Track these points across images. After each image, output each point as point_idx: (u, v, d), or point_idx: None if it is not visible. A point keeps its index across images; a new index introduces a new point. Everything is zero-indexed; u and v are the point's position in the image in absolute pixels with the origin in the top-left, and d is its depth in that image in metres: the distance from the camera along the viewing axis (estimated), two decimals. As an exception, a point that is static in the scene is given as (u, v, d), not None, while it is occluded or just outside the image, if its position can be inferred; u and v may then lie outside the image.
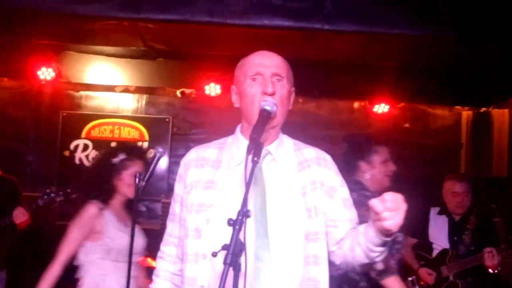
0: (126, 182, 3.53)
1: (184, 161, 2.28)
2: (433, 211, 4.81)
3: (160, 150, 3.53)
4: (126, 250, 3.10)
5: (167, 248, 2.31)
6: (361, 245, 2.03)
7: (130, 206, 3.53)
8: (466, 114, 7.20)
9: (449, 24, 4.18)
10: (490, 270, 4.31)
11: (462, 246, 4.59)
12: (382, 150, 3.66)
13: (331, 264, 2.19)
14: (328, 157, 2.26)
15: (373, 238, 1.95)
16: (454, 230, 4.69)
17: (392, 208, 1.82)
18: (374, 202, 1.84)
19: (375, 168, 3.62)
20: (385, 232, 1.89)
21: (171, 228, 2.29)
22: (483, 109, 7.01)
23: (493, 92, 6.36)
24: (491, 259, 4.29)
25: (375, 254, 2.03)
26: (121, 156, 3.61)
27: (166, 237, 2.32)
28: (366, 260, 2.08)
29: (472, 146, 7.08)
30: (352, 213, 2.23)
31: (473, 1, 4.15)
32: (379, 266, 2.17)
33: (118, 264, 3.37)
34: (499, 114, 6.92)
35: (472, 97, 6.67)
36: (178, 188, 2.26)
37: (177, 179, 2.29)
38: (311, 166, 2.18)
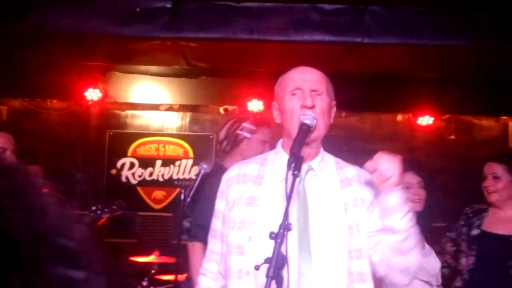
0: None
1: (226, 177, 2.30)
2: None
3: (205, 166, 3.59)
4: None
5: (209, 264, 2.33)
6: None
7: None
8: (513, 124, 7.06)
9: (491, 33, 4.12)
10: None
11: None
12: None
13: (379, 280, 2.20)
14: (368, 175, 2.26)
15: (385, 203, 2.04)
16: None
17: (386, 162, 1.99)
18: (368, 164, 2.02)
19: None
20: (389, 186, 2.00)
21: (213, 245, 2.31)
22: (530, 118, 6.87)
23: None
24: None
25: (396, 221, 2.05)
26: None
27: (208, 253, 2.34)
28: (395, 238, 2.07)
29: (519, 156, 6.92)
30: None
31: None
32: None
33: None
34: (546, 123, 6.77)
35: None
36: (219, 204, 2.29)
37: (219, 195, 2.31)
38: (352, 184, 2.20)
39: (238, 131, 3.81)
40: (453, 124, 7.00)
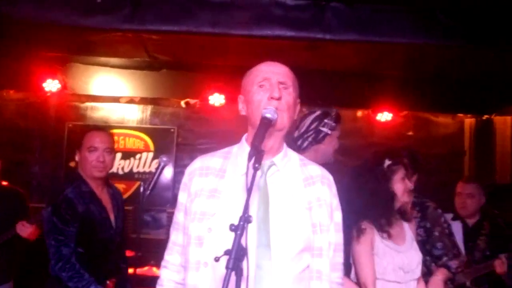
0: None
1: (188, 170, 2.30)
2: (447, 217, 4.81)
3: (164, 159, 3.58)
4: None
5: (171, 257, 2.32)
6: None
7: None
8: (468, 121, 7.22)
9: (450, 32, 4.21)
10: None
11: (477, 252, 4.57)
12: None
13: None
14: (331, 178, 2.31)
15: None
16: (469, 236, 4.66)
17: None
18: None
19: None
20: None
21: (175, 237, 2.31)
22: (486, 116, 7.03)
23: (495, 99, 6.38)
24: (501, 266, 4.29)
25: None
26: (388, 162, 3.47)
27: (170, 245, 2.33)
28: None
29: (475, 153, 7.10)
30: (340, 238, 2.28)
31: (473, 10, 4.18)
32: None
33: None
34: (501, 121, 6.94)
35: (474, 104, 6.68)
36: (182, 197, 2.29)
37: (181, 187, 2.31)
38: (316, 183, 2.22)
39: (320, 128, 3.70)
40: (411, 121, 7.12)
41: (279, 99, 2.12)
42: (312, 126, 3.68)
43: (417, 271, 3.25)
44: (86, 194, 3.62)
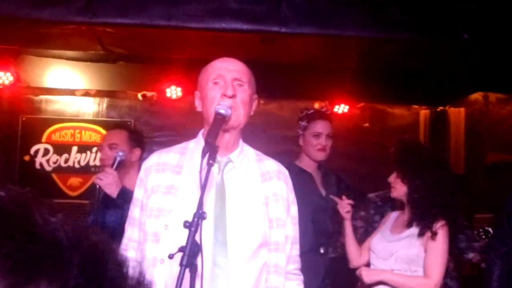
0: None
1: (145, 166, 2.29)
2: None
3: (120, 153, 3.55)
4: None
5: (125, 253, 2.31)
6: None
7: None
8: (424, 113, 7.34)
9: (403, 25, 4.27)
10: None
11: None
12: None
13: None
14: (286, 172, 2.35)
15: None
16: None
17: None
18: None
19: None
20: None
21: (130, 232, 2.29)
22: (440, 108, 7.17)
23: (449, 91, 6.51)
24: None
25: None
26: None
27: (125, 241, 2.32)
28: None
29: (430, 144, 7.22)
30: (296, 232, 2.32)
31: (425, 3, 4.26)
32: None
33: None
34: (455, 113, 7.09)
35: (429, 96, 6.81)
36: (138, 193, 2.27)
37: (138, 183, 2.30)
38: (272, 178, 2.25)
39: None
40: (368, 112, 7.21)
41: (232, 97, 2.12)
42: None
43: None
44: None
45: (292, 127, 6.89)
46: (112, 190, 3.34)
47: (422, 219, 3.23)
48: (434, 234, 3.15)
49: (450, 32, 4.30)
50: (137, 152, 3.70)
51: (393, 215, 3.50)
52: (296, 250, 2.31)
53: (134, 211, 2.29)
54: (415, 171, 3.30)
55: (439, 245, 3.16)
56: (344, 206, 3.52)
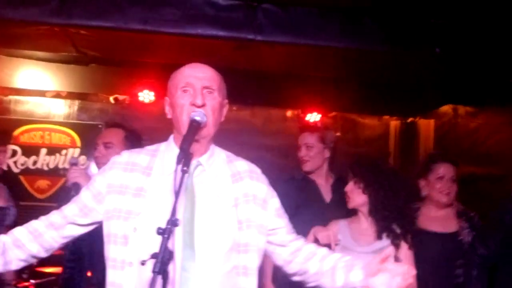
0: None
1: (114, 159, 2.27)
2: None
3: (74, 160, 3.52)
4: None
5: (40, 222, 2.28)
6: (336, 278, 2.22)
7: None
8: (394, 123, 7.44)
9: (377, 37, 4.33)
10: None
11: None
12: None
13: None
14: (259, 171, 2.34)
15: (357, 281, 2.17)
16: None
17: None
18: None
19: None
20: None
21: (69, 209, 2.26)
22: (410, 119, 7.27)
23: (420, 103, 6.60)
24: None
25: None
26: None
27: (56, 215, 2.28)
28: None
29: (399, 154, 7.33)
30: (285, 221, 2.35)
31: (399, 17, 4.32)
32: None
33: None
34: (425, 124, 7.18)
35: (400, 107, 6.91)
36: (98, 179, 2.24)
37: (100, 171, 2.28)
38: (244, 178, 2.24)
39: None
40: (339, 122, 7.27)
41: (201, 106, 2.12)
42: None
43: None
44: None
45: (264, 134, 6.97)
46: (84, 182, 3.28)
47: (391, 231, 3.30)
48: (411, 246, 3.31)
49: (423, 46, 4.37)
50: None
51: (343, 224, 3.48)
52: (292, 234, 2.38)
53: (86, 195, 2.25)
54: (378, 182, 3.37)
55: (413, 254, 3.30)
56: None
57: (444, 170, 3.89)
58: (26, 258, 2.25)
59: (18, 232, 2.25)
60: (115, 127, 3.77)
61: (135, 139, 3.72)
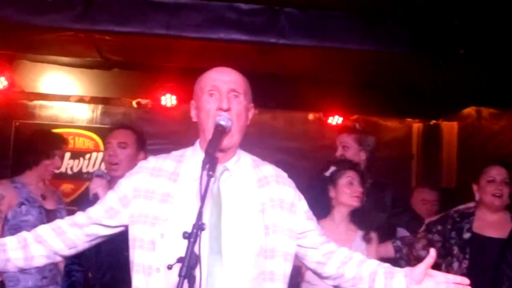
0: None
1: (141, 164, 2.27)
2: None
3: (100, 173, 3.53)
4: None
5: (63, 221, 2.27)
6: (375, 284, 2.19)
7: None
8: (416, 126, 7.39)
9: (400, 40, 4.31)
10: None
11: None
12: None
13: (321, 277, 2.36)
14: (285, 175, 2.32)
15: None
16: None
17: None
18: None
19: None
20: None
21: (94, 210, 2.25)
22: (433, 121, 7.21)
23: (442, 105, 6.55)
24: None
25: None
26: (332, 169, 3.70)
27: (81, 215, 2.27)
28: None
29: (422, 157, 7.27)
30: (314, 223, 2.33)
31: (423, 19, 4.29)
32: None
33: None
34: (448, 127, 7.13)
35: (422, 109, 6.86)
36: (124, 183, 2.24)
37: (127, 175, 2.28)
38: (270, 183, 2.23)
39: None
40: (361, 125, 7.21)
41: (227, 110, 2.12)
42: None
43: None
44: None
45: (286, 138, 6.97)
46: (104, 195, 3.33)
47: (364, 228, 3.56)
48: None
49: (447, 48, 4.34)
50: (141, 155, 3.56)
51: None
52: (323, 237, 2.35)
53: (112, 197, 2.24)
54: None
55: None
56: None
57: (495, 172, 3.82)
58: (48, 254, 2.23)
59: (41, 229, 2.25)
60: (126, 128, 3.76)
61: (144, 141, 3.73)
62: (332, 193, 3.60)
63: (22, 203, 4.24)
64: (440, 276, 2.09)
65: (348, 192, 3.57)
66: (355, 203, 3.57)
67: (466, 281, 2.07)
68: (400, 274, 2.15)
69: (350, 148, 4.26)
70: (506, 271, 3.65)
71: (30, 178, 4.38)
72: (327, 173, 3.67)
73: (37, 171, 4.38)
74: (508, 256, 3.68)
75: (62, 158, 4.55)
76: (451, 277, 2.09)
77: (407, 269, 2.16)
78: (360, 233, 3.56)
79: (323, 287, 3.13)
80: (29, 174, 4.38)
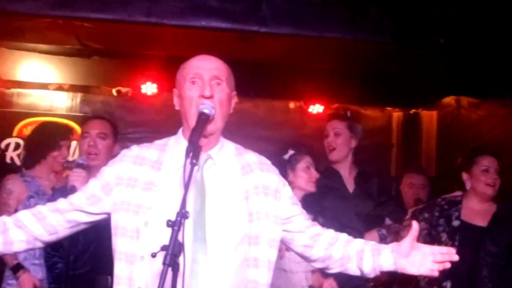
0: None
1: (124, 152, 2.26)
2: None
3: (81, 161, 3.51)
4: None
5: (44, 207, 2.25)
6: (363, 263, 2.23)
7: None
8: (396, 115, 7.44)
9: (381, 29, 4.32)
10: None
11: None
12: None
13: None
14: (268, 162, 2.33)
15: (387, 264, 2.16)
16: None
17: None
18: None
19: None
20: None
21: (76, 197, 2.25)
22: (413, 110, 7.26)
23: (422, 94, 6.60)
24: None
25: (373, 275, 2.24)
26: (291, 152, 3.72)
27: (63, 201, 2.25)
28: (357, 274, 2.29)
29: (402, 146, 7.33)
30: (299, 208, 2.35)
31: (403, 8, 4.31)
32: None
33: None
34: (427, 116, 7.19)
35: (402, 98, 6.90)
36: (107, 171, 2.23)
37: (110, 163, 2.27)
38: (254, 170, 2.24)
39: None
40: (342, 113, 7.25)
41: (210, 97, 2.12)
42: None
43: None
44: None
45: (266, 126, 6.96)
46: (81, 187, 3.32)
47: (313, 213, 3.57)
48: None
49: (427, 37, 4.36)
50: (117, 147, 3.60)
51: None
52: (308, 221, 2.37)
53: (94, 184, 2.23)
54: None
55: None
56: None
57: (488, 162, 3.91)
58: (28, 239, 2.21)
59: (22, 214, 2.24)
60: (103, 119, 3.79)
61: (117, 133, 3.77)
62: (290, 177, 3.62)
63: (31, 196, 4.29)
64: (427, 248, 2.14)
65: (305, 176, 3.65)
66: (311, 188, 3.67)
67: (453, 251, 2.12)
68: (387, 250, 2.19)
69: (342, 135, 4.24)
70: (486, 258, 3.71)
71: (40, 171, 4.43)
72: (286, 156, 3.70)
73: (46, 164, 4.42)
74: (487, 243, 3.74)
75: (68, 148, 4.56)
76: (437, 249, 2.13)
77: (394, 244, 2.20)
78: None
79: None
80: (39, 167, 4.43)
